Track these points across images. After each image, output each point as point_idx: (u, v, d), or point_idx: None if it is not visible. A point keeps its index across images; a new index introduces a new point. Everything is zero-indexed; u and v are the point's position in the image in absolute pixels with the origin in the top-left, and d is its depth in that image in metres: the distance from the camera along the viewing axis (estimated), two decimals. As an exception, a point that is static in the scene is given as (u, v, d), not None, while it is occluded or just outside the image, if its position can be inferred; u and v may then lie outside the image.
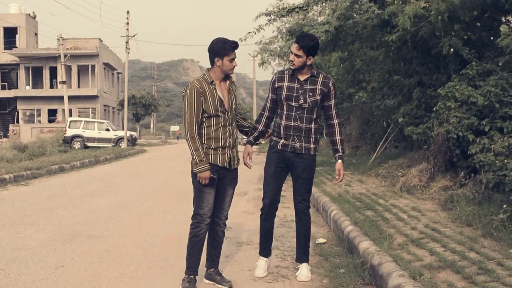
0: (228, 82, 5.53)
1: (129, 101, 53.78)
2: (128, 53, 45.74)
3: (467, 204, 7.84)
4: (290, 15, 15.53)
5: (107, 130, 40.72)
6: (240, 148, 5.54)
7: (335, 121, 5.77)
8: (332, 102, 5.72)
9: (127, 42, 45.25)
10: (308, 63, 5.61)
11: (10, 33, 60.89)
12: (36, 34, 65.13)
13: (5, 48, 59.84)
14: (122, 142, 40.72)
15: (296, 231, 6.06)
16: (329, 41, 13.33)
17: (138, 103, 61.77)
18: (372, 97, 17.90)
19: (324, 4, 15.27)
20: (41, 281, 5.74)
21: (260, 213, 5.96)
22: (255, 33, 15.57)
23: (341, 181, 5.96)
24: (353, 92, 20.52)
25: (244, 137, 6.15)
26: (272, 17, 15.18)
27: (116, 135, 41.11)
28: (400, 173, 11.43)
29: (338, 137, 5.81)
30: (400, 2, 11.47)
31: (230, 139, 5.48)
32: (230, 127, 5.47)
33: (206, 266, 5.77)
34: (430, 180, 10.20)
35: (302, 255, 5.99)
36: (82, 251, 7.09)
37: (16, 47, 59.40)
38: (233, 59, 5.38)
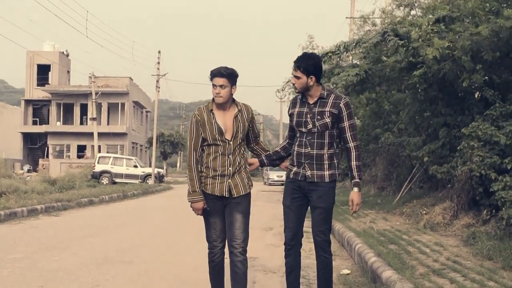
0: (236, 110, 5.35)
1: (158, 139, 54.48)
2: (158, 91, 46.60)
3: (488, 239, 8.05)
4: (323, 59, 15.89)
5: (135, 166, 41.33)
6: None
7: (351, 145, 5.33)
8: (346, 124, 5.32)
9: (157, 81, 46.12)
10: (311, 83, 5.28)
11: (43, 70, 62.43)
12: (68, 71, 66.67)
13: (38, 85, 61.35)
14: (150, 178, 41.23)
15: (316, 269, 5.60)
16: (358, 82, 13.71)
17: (166, 141, 62.47)
18: (399, 138, 18.15)
19: (354, 49, 15.64)
20: (79, 298, 6.07)
21: (284, 248, 5.60)
22: (288, 81, 16.07)
23: (355, 211, 5.46)
24: (380, 133, 20.78)
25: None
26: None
27: (143, 172, 41.69)
28: (424, 211, 11.64)
29: (354, 163, 5.32)
30: (423, 40, 11.78)
31: (231, 168, 5.26)
32: (231, 156, 5.27)
33: None
34: (453, 218, 10.40)
35: None
36: (116, 274, 7.42)
37: (49, 84, 60.79)
38: (215, 85, 5.19)
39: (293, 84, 5.45)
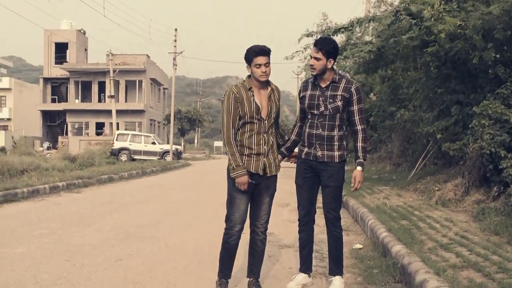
0: (269, 89, 5.47)
1: (175, 115, 54.83)
2: (175, 69, 46.91)
3: (496, 215, 8.30)
4: (335, 35, 16.06)
5: (153, 143, 41.81)
6: (282, 163, 5.79)
7: (359, 127, 5.54)
8: (355, 107, 5.53)
9: (174, 59, 46.41)
10: (329, 66, 5.46)
11: (61, 49, 62.99)
12: (86, 49, 67.18)
13: (56, 63, 61.95)
14: (168, 155, 41.69)
15: (328, 243, 5.86)
16: (372, 60, 13.91)
17: (183, 118, 62.88)
18: (414, 115, 18.32)
19: (367, 24, 15.81)
20: (104, 271, 6.44)
21: (298, 224, 5.92)
22: (302, 52, 16.25)
23: (356, 189, 5.63)
24: (395, 110, 20.95)
25: None
26: (315, 35, 15.85)
27: (162, 149, 42.16)
28: (436, 188, 11.87)
29: (360, 144, 5.55)
30: (435, 19, 11.90)
31: (266, 147, 5.40)
32: (265, 135, 5.40)
33: (247, 275, 5.74)
34: (464, 194, 10.63)
35: (334, 268, 5.80)
36: (138, 248, 7.78)
37: (67, 62, 61.30)
38: (259, 65, 5.25)
39: (311, 66, 5.53)
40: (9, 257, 7.07)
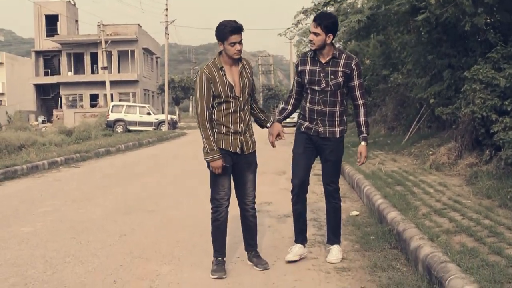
0: (240, 65, 5.38)
1: (169, 85, 54.78)
2: (168, 38, 46.74)
3: (488, 179, 8.52)
4: (325, 8, 16.14)
5: (148, 114, 41.88)
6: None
7: (360, 102, 5.62)
8: (356, 82, 5.57)
9: (166, 28, 46.20)
10: (328, 41, 5.45)
11: (52, 21, 62.63)
12: (76, 21, 66.73)
13: (47, 36, 61.51)
14: (163, 125, 41.86)
15: (326, 213, 6.05)
16: (362, 28, 14.00)
17: (177, 87, 62.87)
18: (407, 79, 18.45)
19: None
20: (109, 247, 6.64)
21: (291, 195, 5.90)
22: (293, 28, 16.36)
23: (363, 163, 5.80)
24: (388, 74, 21.07)
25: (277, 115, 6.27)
26: (309, 11, 15.95)
27: (157, 119, 42.27)
28: (430, 152, 12.08)
29: (362, 119, 5.65)
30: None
31: (242, 124, 5.38)
32: (242, 112, 5.38)
33: (244, 248, 5.86)
34: (458, 158, 10.83)
35: (332, 237, 5.98)
36: (140, 222, 7.98)
37: (58, 34, 60.97)
38: (234, 43, 5.17)
39: (311, 41, 5.51)
40: (16, 236, 7.26)
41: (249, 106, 5.58)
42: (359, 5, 17.60)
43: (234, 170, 5.51)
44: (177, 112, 66.55)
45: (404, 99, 20.19)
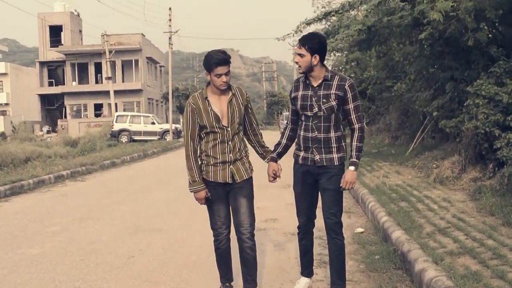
0: (230, 94, 5.20)
1: (173, 93, 54.87)
2: (171, 48, 46.85)
3: (492, 195, 8.60)
4: (326, 18, 16.26)
5: (153, 123, 42.01)
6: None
7: (356, 126, 5.26)
8: (351, 106, 5.21)
9: (170, 38, 46.32)
10: (315, 62, 5.14)
11: (56, 31, 62.83)
12: (80, 31, 66.99)
13: (51, 46, 61.76)
14: (168, 135, 41.89)
15: (329, 252, 5.44)
16: (363, 40, 14.10)
17: (181, 95, 62.92)
18: (410, 89, 18.55)
19: (359, 7, 16.00)
20: (118, 269, 6.73)
21: (298, 231, 5.70)
22: (293, 35, 16.46)
23: (345, 189, 5.28)
24: (390, 85, 21.19)
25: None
26: (311, 22, 16.08)
27: (161, 128, 42.36)
28: (434, 165, 12.16)
29: (355, 143, 5.25)
30: (429, 1, 12.05)
31: (231, 154, 5.18)
32: (231, 142, 5.18)
33: (243, 285, 5.45)
34: (461, 172, 10.91)
35: (336, 280, 5.39)
36: (148, 243, 8.06)
37: (62, 44, 61.22)
38: (220, 74, 5.01)
39: (297, 63, 5.26)
40: (25, 259, 7.35)
41: (242, 136, 5.38)
42: (361, 17, 17.71)
43: (230, 199, 5.34)
44: (181, 121, 66.46)
45: (407, 109, 20.28)
